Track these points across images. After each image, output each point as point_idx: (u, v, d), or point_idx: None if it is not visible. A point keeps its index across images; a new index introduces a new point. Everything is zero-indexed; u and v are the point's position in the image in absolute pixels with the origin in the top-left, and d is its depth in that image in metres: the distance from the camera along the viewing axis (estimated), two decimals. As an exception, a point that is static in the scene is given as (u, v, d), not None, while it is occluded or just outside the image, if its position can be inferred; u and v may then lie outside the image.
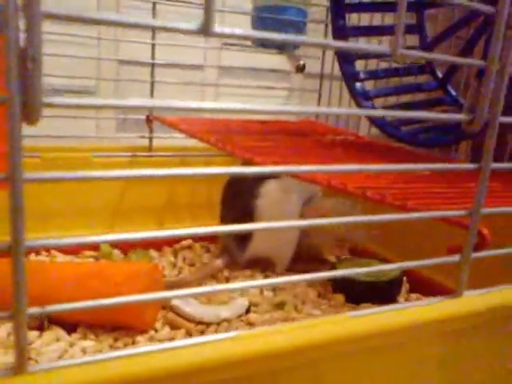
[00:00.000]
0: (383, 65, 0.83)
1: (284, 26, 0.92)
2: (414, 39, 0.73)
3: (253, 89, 1.02)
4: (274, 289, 0.72)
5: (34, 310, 0.26)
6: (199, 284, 0.71)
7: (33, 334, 0.57)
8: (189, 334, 0.60)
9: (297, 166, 0.29)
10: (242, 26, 0.98)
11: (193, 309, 0.62)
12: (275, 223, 0.30)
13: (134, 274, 0.58)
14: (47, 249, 0.79)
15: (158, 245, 0.85)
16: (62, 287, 0.58)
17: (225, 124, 0.83)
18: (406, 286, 0.75)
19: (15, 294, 0.25)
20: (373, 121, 0.70)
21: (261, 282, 0.31)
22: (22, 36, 0.20)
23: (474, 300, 0.31)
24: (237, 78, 1.24)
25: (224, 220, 0.77)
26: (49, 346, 0.56)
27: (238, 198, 0.74)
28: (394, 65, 0.76)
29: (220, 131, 0.74)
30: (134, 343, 0.58)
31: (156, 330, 0.61)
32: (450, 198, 0.39)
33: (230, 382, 0.26)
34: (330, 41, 0.27)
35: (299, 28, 0.91)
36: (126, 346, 0.58)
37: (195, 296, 0.66)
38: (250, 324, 0.62)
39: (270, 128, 0.83)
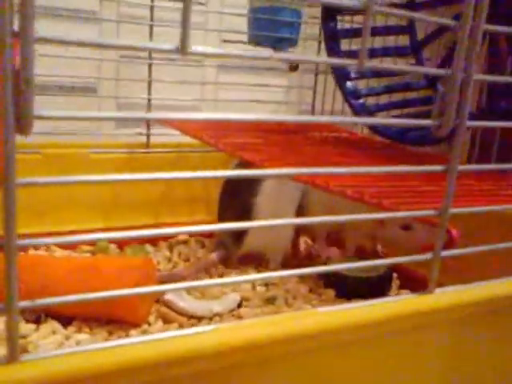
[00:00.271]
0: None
1: (279, 27, 0.93)
2: (405, 39, 0.74)
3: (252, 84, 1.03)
4: (267, 284, 0.73)
5: (25, 303, 0.28)
6: (193, 278, 0.73)
7: (30, 328, 0.59)
8: (181, 328, 0.62)
9: (277, 169, 0.31)
10: (240, 27, 1.00)
11: (185, 303, 0.64)
12: (273, 221, 0.31)
13: (127, 268, 0.60)
14: (45, 243, 0.81)
15: (153, 239, 0.87)
16: (57, 281, 0.59)
17: (220, 121, 0.84)
18: (396, 283, 0.77)
19: (7, 288, 0.27)
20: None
21: (250, 276, 0.33)
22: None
23: (443, 297, 0.33)
24: (236, 73, 1.25)
25: (222, 216, 0.79)
26: (45, 338, 0.58)
27: (237, 196, 0.75)
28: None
29: (214, 128, 0.76)
30: (127, 336, 0.59)
31: (149, 324, 0.62)
32: (428, 196, 0.41)
33: (205, 374, 0.27)
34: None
35: (294, 28, 0.92)
36: (119, 338, 0.59)
37: (188, 291, 0.68)
38: (241, 318, 0.64)
39: (266, 126, 0.84)
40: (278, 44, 0.94)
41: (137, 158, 0.92)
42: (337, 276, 0.70)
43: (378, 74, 0.75)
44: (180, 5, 0.25)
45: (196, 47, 0.24)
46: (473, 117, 0.62)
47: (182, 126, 0.73)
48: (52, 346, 0.56)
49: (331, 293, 0.71)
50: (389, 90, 0.74)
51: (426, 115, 0.71)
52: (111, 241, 0.83)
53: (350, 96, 0.71)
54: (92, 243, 0.82)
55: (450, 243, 0.32)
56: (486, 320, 0.36)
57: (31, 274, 0.59)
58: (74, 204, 0.86)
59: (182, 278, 0.72)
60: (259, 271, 0.78)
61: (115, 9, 1.14)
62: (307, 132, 0.79)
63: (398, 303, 0.31)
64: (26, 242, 0.27)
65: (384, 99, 0.78)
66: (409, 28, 0.73)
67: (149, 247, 0.85)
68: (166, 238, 0.88)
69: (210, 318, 0.64)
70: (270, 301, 0.68)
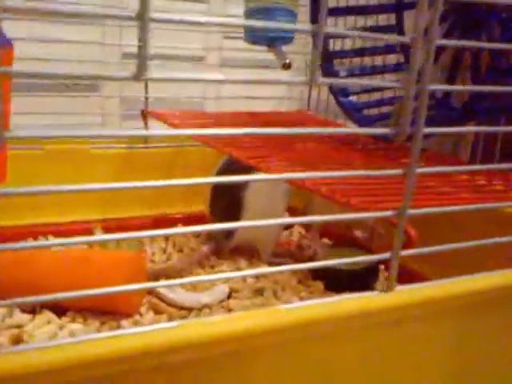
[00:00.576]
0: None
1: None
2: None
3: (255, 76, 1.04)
4: (258, 276, 0.75)
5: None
6: (186, 271, 0.75)
7: (25, 318, 0.61)
8: (171, 319, 0.64)
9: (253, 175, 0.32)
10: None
11: (175, 295, 0.66)
12: (270, 220, 0.33)
13: (118, 261, 0.62)
14: (45, 234, 0.84)
15: (150, 230, 0.89)
16: (49, 276, 0.61)
17: (217, 117, 0.86)
18: (384, 275, 0.78)
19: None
20: (350, 117, 0.73)
21: (240, 273, 0.34)
22: None
23: (402, 294, 0.34)
24: (238, 67, 1.26)
25: (213, 209, 0.81)
26: (40, 328, 0.60)
27: (227, 189, 0.77)
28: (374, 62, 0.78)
29: (210, 125, 0.77)
30: (119, 327, 0.62)
31: (141, 315, 0.64)
32: (400, 194, 0.42)
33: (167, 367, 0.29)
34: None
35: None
36: (111, 329, 0.61)
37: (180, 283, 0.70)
38: (230, 310, 0.66)
39: (261, 120, 0.86)
40: (273, 43, 0.95)
41: (136, 152, 0.94)
42: (325, 269, 0.72)
43: (366, 72, 0.77)
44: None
45: (151, 74, 0.26)
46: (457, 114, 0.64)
47: (180, 124, 0.75)
48: (46, 335, 0.59)
49: (320, 285, 0.73)
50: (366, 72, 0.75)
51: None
52: (108, 231, 0.85)
53: (338, 94, 0.72)
54: (88, 234, 0.84)
55: (408, 243, 0.34)
56: (448, 317, 0.37)
57: (24, 271, 0.62)
58: (73, 195, 0.88)
59: (176, 272, 0.74)
60: (251, 263, 0.80)
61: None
62: (301, 127, 0.80)
63: (355, 301, 0.33)
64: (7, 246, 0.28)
65: (375, 96, 0.79)
66: (397, 26, 0.74)
67: (145, 238, 0.87)
68: (162, 228, 0.90)
69: (200, 310, 0.66)
70: (259, 292, 0.70)
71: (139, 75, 0.25)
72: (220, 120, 0.82)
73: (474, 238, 0.37)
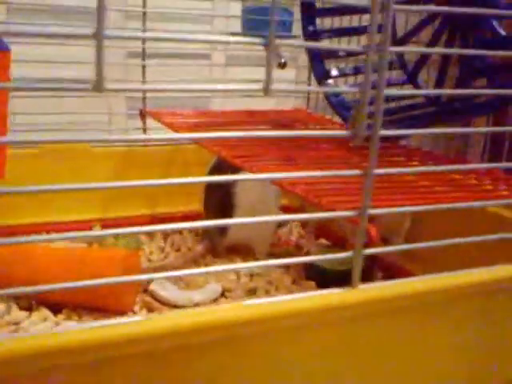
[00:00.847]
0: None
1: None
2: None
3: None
4: (251, 274, 0.76)
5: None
6: (180, 269, 0.76)
7: (22, 314, 0.63)
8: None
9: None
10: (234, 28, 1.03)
11: (168, 293, 0.67)
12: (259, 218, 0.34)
13: (112, 259, 0.64)
14: (48, 231, 0.85)
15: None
16: (46, 272, 0.63)
17: (214, 116, 0.87)
18: (378, 274, 0.79)
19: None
20: (339, 115, 0.73)
21: (227, 266, 0.35)
22: None
23: (363, 292, 0.35)
24: (244, 64, 1.27)
25: (206, 206, 0.82)
26: (36, 325, 0.62)
27: (218, 186, 0.78)
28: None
29: (205, 124, 0.78)
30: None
31: (135, 313, 0.66)
32: (374, 193, 0.43)
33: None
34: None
35: (286, 27, 0.94)
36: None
37: (174, 281, 0.72)
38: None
39: (256, 119, 0.86)
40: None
41: (135, 151, 0.95)
42: (316, 269, 0.73)
43: (358, 72, 0.77)
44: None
45: (112, 84, 0.27)
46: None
47: (173, 123, 0.76)
48: (42, 332, 0.61)
49: (312, 284, 0.73)
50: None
51: (405, 111, 0.73)
52: (107, 229, 0.86)
53: (329, 94, 0.72)
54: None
55: (369, 242, 0.34)
56: (411, 315, 0.38)
57: (19, 266, 0.63)
58: (74, 195, 0.89)
59: (170, 269, 0.75)
60: (246, 261, 0.81)
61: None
62: (296, 126, 0.81)
63: (319, 297, 0.34)
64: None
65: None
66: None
67: (144, 237, 0.88)
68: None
69: (192, 308, 0.67)
70: (252, 292, 0.71)
71: (100, 87, 0.26)
72: (217, 119, 0.83)
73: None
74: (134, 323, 0.31)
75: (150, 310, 0.66)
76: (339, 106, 0.73)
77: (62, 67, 0.96)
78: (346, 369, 0.37)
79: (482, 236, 0.41)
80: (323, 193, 0.42)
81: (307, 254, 0.79)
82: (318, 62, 0.73)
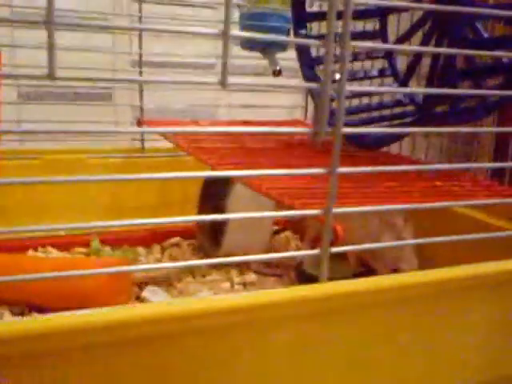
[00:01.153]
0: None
1: (268, 32, 0.95)
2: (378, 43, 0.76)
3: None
4: (245, 283, 0.76)
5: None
6: (174, 278, 0.76)
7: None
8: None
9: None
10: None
11: (158, 299, 0.67)
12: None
13: (101, 267, 0.64)
14: (43, 245, 0.86)
15: (147, 242, 0.91)
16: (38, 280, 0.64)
17: (197, 125, 0.87)
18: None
19: None
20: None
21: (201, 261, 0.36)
22: None
23: (328, 288, 0.35)
24: (249, 77, 1.28)
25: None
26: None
27: (211, 199, 0.79)
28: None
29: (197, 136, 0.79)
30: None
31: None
32: (350, 197, 0.43)
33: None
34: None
35: (282, 33, 0.95)
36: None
37: (167, 288, 0.72)
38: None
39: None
40: (267, 49, 0.97)
41: (132, 162, 0.96)
42: (307, 276, 0.72)
43: (350, 79, 0.77)
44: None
45: (65, 73, 0.27)
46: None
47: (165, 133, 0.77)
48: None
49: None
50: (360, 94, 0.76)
51: (397, 118, 0.73)
52: (105, 243, 0.87)
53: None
54: (87, 245, 0.86)
55: (336, 239, 0.34)
56: (375, 313, 0.38)
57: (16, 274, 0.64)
58: (71, 208, 0.90)
59: (164, 278, 0.75)
60: (241, 272, 0.81)
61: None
62: (288, 136, 0.81)
63: (285, 292, 0.34)
64: None
65: (354, 103, 0.79)
66: (381, 32, 0.75)
67: (141, 249, 0.88)
68: (159, 240, 0.92)
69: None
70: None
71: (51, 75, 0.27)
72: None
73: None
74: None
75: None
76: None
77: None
78: (307, 365, 0.36)
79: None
80: (298, 196, 0.42)
81: (300, 263, 0.78)
82: (306, 67, 0.74)
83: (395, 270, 0.67)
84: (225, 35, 0.28)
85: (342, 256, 0.82)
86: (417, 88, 0.76)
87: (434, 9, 0.46)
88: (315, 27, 0.87)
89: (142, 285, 0.73)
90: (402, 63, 0.75)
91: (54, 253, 0.84)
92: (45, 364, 0.30)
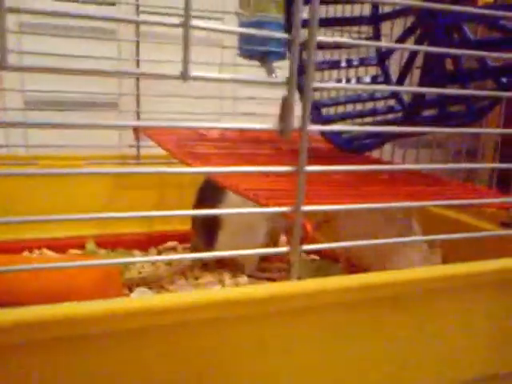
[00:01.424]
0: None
1: (266, 40, 0.96)
2: (372, 51, 0.77)
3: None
4: (237, 286, 0.76)
5: None
6: (167, 281, 0.77)
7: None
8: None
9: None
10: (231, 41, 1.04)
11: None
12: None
13: (90, 268, 0.65)
14: (39, 247, 0.87)
15: (143, 245, 0.92)
16: (27, 278, 0.64)
17: (197, 134, 0.88)
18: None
19: None
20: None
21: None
22: None
23: (298, 286, 0.35)
24: (253, 86, 1.29)
25: (194, 223, 0.83)
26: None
27: (205, 204, 0.79)
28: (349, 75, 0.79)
29: (184, 140, 0.79)
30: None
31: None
32: (326, 198, 0.43)
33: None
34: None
35: (280, 43, 0.96)
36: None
37: (157, 291, 0.73)
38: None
39: (246, 137, 0.87)
40: (265, 57, 0.98)
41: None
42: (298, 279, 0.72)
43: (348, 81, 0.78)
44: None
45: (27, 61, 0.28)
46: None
47: (159, 140, 0.77)
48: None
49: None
50: (351, 100, 0.76)
51: (385, 124, 0.73)
52: (101, 246, 0.88)
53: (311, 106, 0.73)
54: (82, 248, 0.87)
55: (305, 237, 0.35)
56: (344, 312, 0.38)
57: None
58: (68, 211, 0.91)
59: (156, 280, 0.75)
60: (234, 275, 0.81)
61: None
62: (277, 143, 0.82)
63: (256, 289, 0.34)
64: None
65: (341, 109, 0.80)
66: (374, 38, 0.75)
67: (137, 252, 0.89)
68: (156, 243, 0.93)
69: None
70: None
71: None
72: (204, 138, 0.84)
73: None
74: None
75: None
76: (317, 118, 0.73)
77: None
78: (281, 362, 0.37)
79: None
80: (275, 197, 0.42)
81: (289, 265, 0.79)
82: (298, 73, 0.74)
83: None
84: (185, 26, 0.28)
85: (334, 259, 0.83)
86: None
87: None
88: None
89: (133, 287, 0.73)
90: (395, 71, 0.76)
91: (50, 255, 0.85)
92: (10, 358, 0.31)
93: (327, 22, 0.77)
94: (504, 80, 0.56)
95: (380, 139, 0.63)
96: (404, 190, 0.55)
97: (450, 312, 0.43)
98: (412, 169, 0.59)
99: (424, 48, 0.47)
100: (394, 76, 0.74)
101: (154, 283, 0.75)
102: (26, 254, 0.85)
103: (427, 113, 0.62)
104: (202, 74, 0.29)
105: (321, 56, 0.79)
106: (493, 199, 0.50)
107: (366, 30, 0.79)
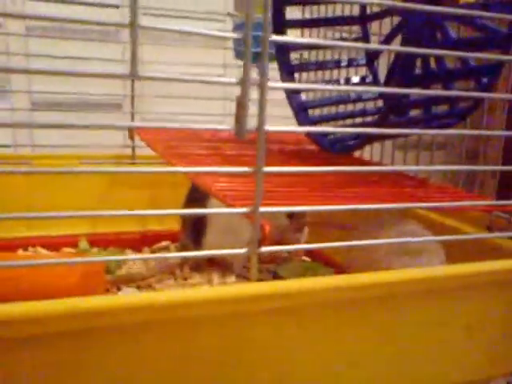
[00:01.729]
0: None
1: (258, 42, 0.97)
2: (361, 51, 0.77)
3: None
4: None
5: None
6: (155, 279, 0.77)
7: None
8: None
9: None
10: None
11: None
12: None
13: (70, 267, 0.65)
14: (33, 245, 0.88)
15: (137, 244, 0.92)
16: (13, 276, 0.65)
17: (187, 134, 0.88)
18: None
19: None
20: (296, 116, 0.74)
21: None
22: None
23: (254, 287, 0.35)
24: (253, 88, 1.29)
25: (184, 222, 0.83)
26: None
27: (194, 202, 0.79)
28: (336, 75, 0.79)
29: (177, 143, 0.80)
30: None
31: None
32: (293, 199, 0.43)
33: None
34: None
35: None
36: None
37: (146, 291, 0.73)
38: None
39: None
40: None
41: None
42: (278, 279, 0.73)
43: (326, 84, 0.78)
44: None
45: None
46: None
47: (150, 140, 0.78)
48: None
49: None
50: (337, 101, 0.76)
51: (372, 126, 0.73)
52: (94, 244, 0.88)
53: (298, 107, 0.73)
54: (75, 246, 0.88)
55: (263, 238, 0.35)
56: (314, 313, 0.38)
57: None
58: (63, 210, 0.91)
59: (142, 278, 0.76)
60: (223, 275, 0.81)
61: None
62: (270, 144, 0.82)
63: (219, 289, 0.34)
64: None
65: (329, 110, 0.80)
66: (363, 39, 0.75)
67: (130, 252, 0.90)
68: (149, 243, 0.93)
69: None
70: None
71: None
72: (196, 138, 0.85)
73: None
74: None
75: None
76: (305, 120, 0.73)
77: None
78: (236, 361, 0.37)
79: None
80: (242, 197, 0.42)
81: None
82: (286, 74, 0.74)
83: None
84: (132, 25, 0.28)
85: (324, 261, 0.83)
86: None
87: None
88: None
89: (121, 286, 0.74)
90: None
91: (44, 253, 0.86)
92: None
93: (317, 22, 0.77)
94: (485, 80, 0.55)
95: (360, 140, 0.63)
96: (384, 191, 0.55)
97: (441, 312, 0.43)
98: (389, 170, 0.58)
99: (394, 48, 0.46)
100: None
101: (142, 282, 0.75)
102: (20, 252, 0.86)
103: (412, 114, 0.62)
104: (151, 74, 0.29)
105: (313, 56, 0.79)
106: (470, 202, 0.50)
107: (357, 29, 0.79)
